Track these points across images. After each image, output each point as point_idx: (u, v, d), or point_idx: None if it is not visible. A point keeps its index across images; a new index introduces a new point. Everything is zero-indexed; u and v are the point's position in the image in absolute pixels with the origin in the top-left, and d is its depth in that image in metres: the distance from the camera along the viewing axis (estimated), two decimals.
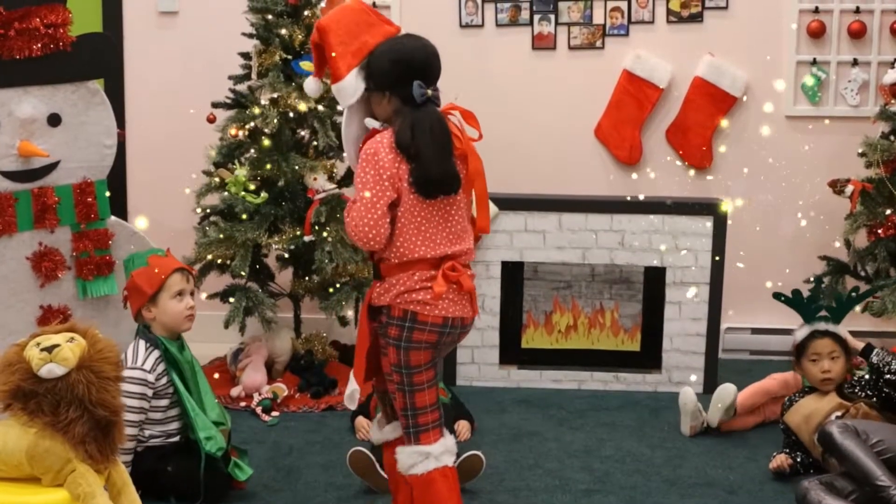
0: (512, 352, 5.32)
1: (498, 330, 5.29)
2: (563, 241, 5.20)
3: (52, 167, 4.19)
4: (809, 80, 5.78)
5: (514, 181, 5.71)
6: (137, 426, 3.76)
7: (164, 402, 3.87)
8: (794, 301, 4.41)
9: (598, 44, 5.87)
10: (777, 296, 4.48)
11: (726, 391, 4.58)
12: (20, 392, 3.01)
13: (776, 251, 5.76)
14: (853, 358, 4.34)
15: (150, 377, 3.80)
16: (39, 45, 4.03)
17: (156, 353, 3.84)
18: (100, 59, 4.34)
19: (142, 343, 3.86)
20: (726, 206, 5.16)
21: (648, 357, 5.29)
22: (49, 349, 3.00)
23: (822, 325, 4.31)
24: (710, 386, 5.14)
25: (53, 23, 4.06)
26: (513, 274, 5.26)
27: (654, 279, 5.22)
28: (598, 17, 5.85)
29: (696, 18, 5.82)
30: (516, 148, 5.92)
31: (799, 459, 4.17)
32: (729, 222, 5.17)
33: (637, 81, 5.83)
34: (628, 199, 5.32)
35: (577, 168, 5.86)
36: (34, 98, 4.10)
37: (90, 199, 4.28)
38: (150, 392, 3.79)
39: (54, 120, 4.16)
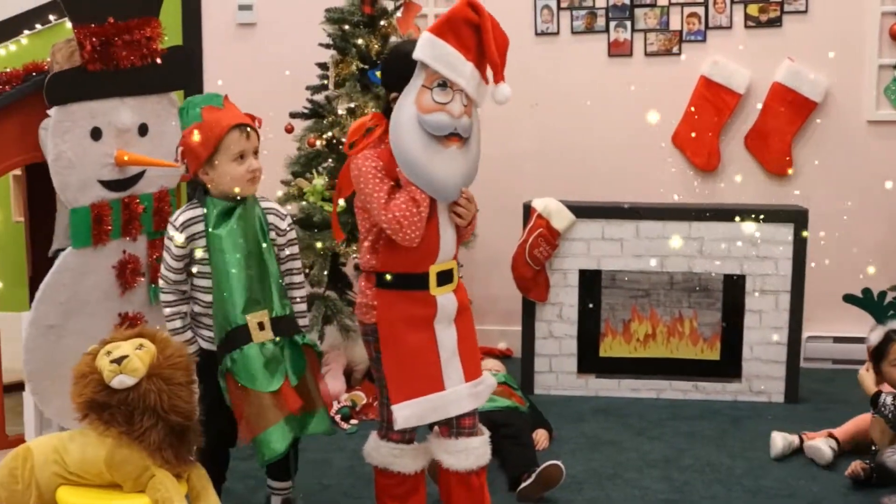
0: (590, 360, 5.27)
1: (576, 338, 5.25)
2: (641, 249, 5.14)
3: (139, 176, 4.19)
4: (892, 85, 5.65)
5: (590, 189, 5.67)
6: (166, 290, 3.41)
7: (206, 283, 3.42)
8: (864, 301, 4.27)
9: (675, 50, 5.80)
10: (847, 298, 4.35)
11: (773, 444, 4.44)
12: (94, 403, 3.02)
13: (858, 258, 5.61)
14: None
15: (178, 235, 3.36)
16: (139, 56, 4.06)
17: (195, 212, 3.39)
18: (182, 71, 4.36)
19: (190, 202, 3.47)
20: (807, 213, 5.04)
21: (728, 366, 5.19)
22: (119, 360, 2.99)
23: None
24: (791, 395, 5.06)
25: (149, 35, 4.10)
26: (590, 282, 5.21)
27: (734, 287, 5.13)
28: (675, 24, 5.78)
29: (775, 23, 5.71)
30: (593, 155, 5.87)
31: (874, 465, 4.05)
32: (810, 229, 5.06)
33: (715, 87, 5.75)
34: (706, 206, 5.24)
35: (655, 175, 5.79)
36: (129, 108, 4.11)
37: (166, 208, 4.28)
38: (177, 252, 3.37)
39: (143, 130, 4.17)
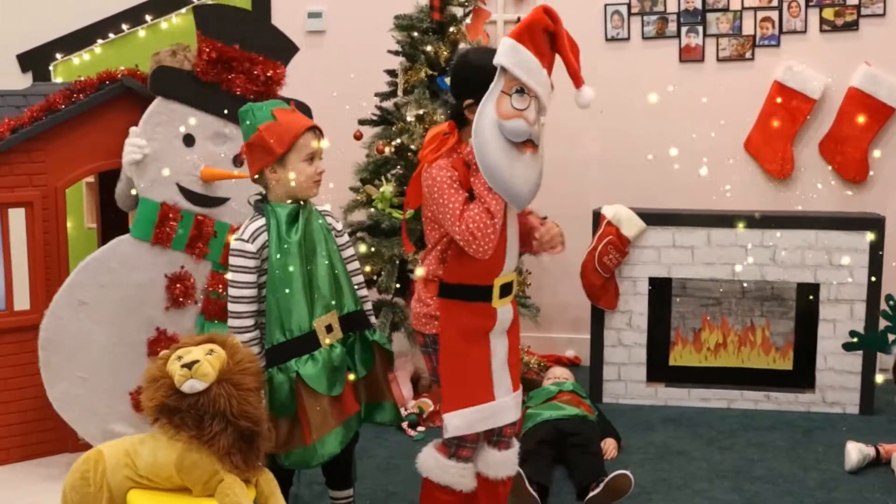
0: (660, 369, 5.25)
1: (645, 347, 5.22)
2: (713, 256, 5.10)
3: (221, 201, 4.25)
4: None
5: (661, 196, 5.64)
6: (244, 302, 3.36)
7: (264, 291, 3.41)
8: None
9: (748, 55, 5.75)
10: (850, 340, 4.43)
11: (847, 456, 4.38)
12: (165, 408, 3.06)
13: None
14: None
15: (251, 246, 3.35)
16: (254, 90, 4.17)
17: (259, 222, 3.40)
18: None
19: (251, 216, 3.46)
20: (884, 221, 4.97)
21: (801, 376, 5.14)
22: (189, 365, 3.04)
23: None
24: (866, 407, 4.99)
25: (272, 76, 4.22)
26: (660, 290, 5.19)
27: (807, 296, 5.08)
28: (748, 28, 5.72)
29: (852, 27, 5.64)
30: (664, 162, 5.81)
31: None
32: (886, 237, 4.98)
33: (789, 93, 5.69)
34: (780, 213, 5.19)
35: (727, 182, 5.74)
36: (230, 134, 4.21)
37: None
38: (252, 263, 3.35)
39: (237, 161, 4.24)
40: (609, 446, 4.46)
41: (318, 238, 3.45)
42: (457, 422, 3.25)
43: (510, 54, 3.01)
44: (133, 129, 4.10)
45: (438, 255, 3.23)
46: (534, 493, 3.85)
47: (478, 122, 3.04)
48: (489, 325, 3.24)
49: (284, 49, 4.28)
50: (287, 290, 3.34)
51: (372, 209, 5.10)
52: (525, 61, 3.01)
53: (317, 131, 3.46)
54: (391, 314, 5.02)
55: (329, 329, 3.42)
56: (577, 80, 3.11)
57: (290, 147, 3.38)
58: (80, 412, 4.13)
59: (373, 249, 5.02)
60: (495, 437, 3.38)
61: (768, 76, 5.74)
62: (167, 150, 4.12)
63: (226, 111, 4.14)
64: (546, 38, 3.06)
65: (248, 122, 3.44)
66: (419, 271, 3.29)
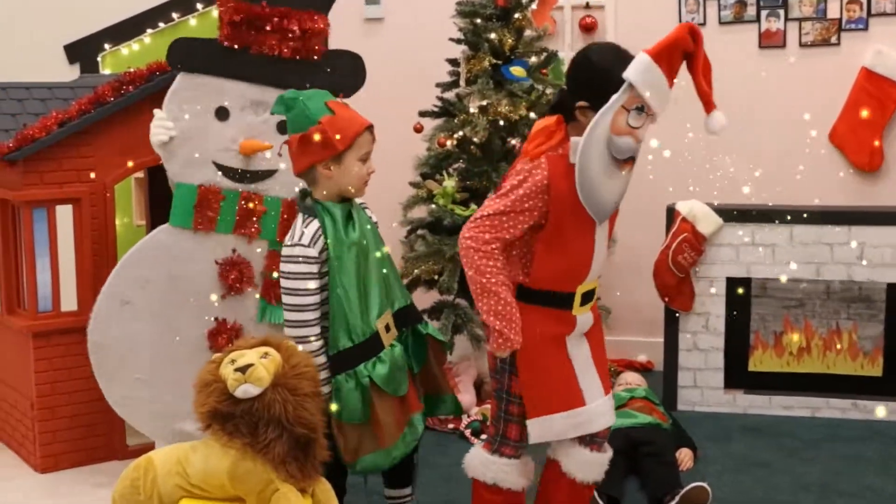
0: (738, 375, 5.22)
1: (723, 351, 5.19)
2: (795, 255, 5.05)
3: (269, 174, 4.15)
4: None
5: (739, 191, 5.56)
6: (310, 310, 3.35)
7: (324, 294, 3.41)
8: None
9: (833, 40, 5.68)
10: None
11: None
12: (218, 413, 3.08)
13: None
14: None
15: (312, 251, 3.34)
16: (290, 48, 4.06)
17: (316, 224, 3.37)
18: (346, 78, 4.21)
19: (300, 216, 3.44)
20: None
21: (892, 383, 5.10)
22: (243, 369, 3.05)
23: None
24: None
25: (309, 29, 4.07)
26: (739, 291, 5.14)
27: None
28: (833, 11, 5.66)
29: None
30: (742, 154, 5.76)
31: None
32: None
33: (878, 80, 5.62)
34: (868, 209, 5.13)
35: (810, 176, 5.67)
36: (270, 99, 3.97)
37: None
38: (315, 268, 3.34)
39: (283, 128, 4.07)
40: (684, 457, 4.43)
41: (368, 234, 3.48)
42: (540, 428, 3.26)
43: (643, 72, 3.01)
44: (157, 112, 4.06)
45: (518, 256, 3.23)
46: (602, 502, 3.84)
47: (591, 131, 3.03)
48: (566, 332, 3.25)
49: None
50: (351, 293, 3.36)
51: (433, 205, 5.11)
52: (656, 82, 3.02)
53: (372, 130, 3.48)
54: (453, 316, 5.02)
55: (387, 329, 3.47)
56: (709, 105, 3.14)
57: (350, 144, 3.38)
58: (145, 415, 4.14)
59: (432, 248, 5.02)
60: (588, 437, 3.37)
61: (855, 62, 5.67)
62: (198, 127, 4.05)
63: (263, 76, 4.07)
64: (681, 57, 3.07)
65: (297, 111, 3.40)
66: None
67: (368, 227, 3.51)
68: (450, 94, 5.31)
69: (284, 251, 3.38)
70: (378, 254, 3.47)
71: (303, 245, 3.34)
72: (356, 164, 3.41)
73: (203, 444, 3.12)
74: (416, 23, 5.97)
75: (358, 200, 3.56)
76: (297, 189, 3.57)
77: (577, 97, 3.14)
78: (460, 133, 5.09)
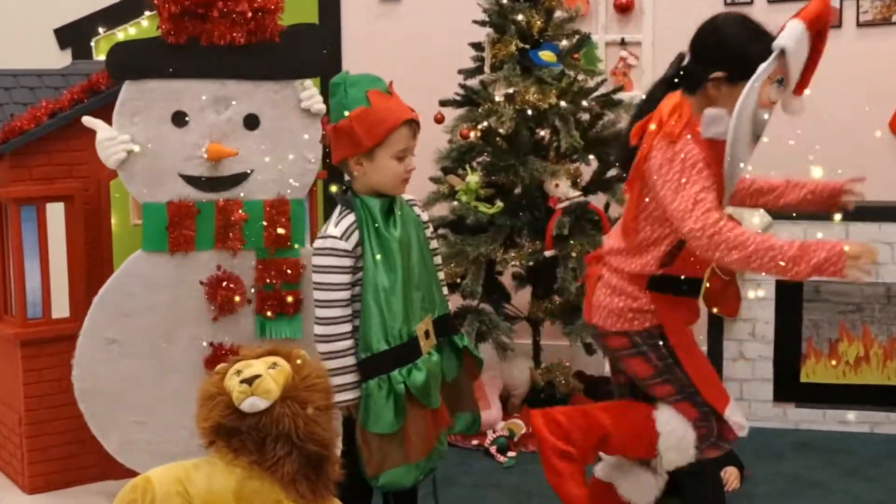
0: (789, 387, 5.24)
1: (772, 361, 5.21)
2: None
3: (242, 177, 4.13)
4: None
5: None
6: (340, 306, 3.37)
7: (356, 291, 3.42)
8: None
9: (895, 18, 5.67)
10: None
11: None
12: (222, 429, 3.07)
13: None
14: None
15: (345, 244, 3.36)
16: (244, 33, 4.00)
17: (351, 217, 3.40)
18: (311, 56, 4.19)
19: (337, 209, 3.46)
20: None
21: None
22: (250, 381, 3.05)
23: None
24: None
25: (262, 7, 4.00)
26: (790, 294, 5.17)
27: None
28: None
29: None
30: (793, 146, 5.76)
31: None
32: None
33: None
34: None
35: (869, 168, 5.58)
36: (231, 94, 4.08)
37: (283, 221, 4.12)
38: (347, 262, 3.36)
39: (251, 122, 4.10)
40: (730, 476, 4.43)
41: (412, 232, 3.50)
42: (738, 417, 3.39)
43: (798, 41, 3.07)
44: (101, 127, 3.99)
45: (662, 254, 3.29)
46: None
47: (744, 102, 3.08)
48: (694, 320, 3.41)
49: None
50: (390, 292, 3.38)
51: (455, 202, 5.12)
52: (801, 53, 3.09)
53: (414, 126, 3.47)
54: (477, 322, 5.03)
55: (427, 335, 3.47)
56: (803, 87, 3.24)
57: (381, 141, 3.39)
58: (149, 458, 3.97)
59: (455, 249, 5.04)
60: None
61: None
62: (155, 138, 4.00)
63: (215, 70, 4.02)
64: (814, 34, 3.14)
65: (336, 100, 3.43)
66: (626, 265, 3.37)
67: (413, 225, 3.53)
68: (473, 82, 5.31)
69: (316, 243, 3.41)
70: (419, 253, 3.49)
71: (334, 237, 3.36)
72: (390, 162, 3.41)
73: (206, 462, 3.12)
74: (437, 3, 5.98)
75: (406, 197, 3.59)
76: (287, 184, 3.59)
77: (710, 68, 3.20)
78: (485, 124, 5.10)
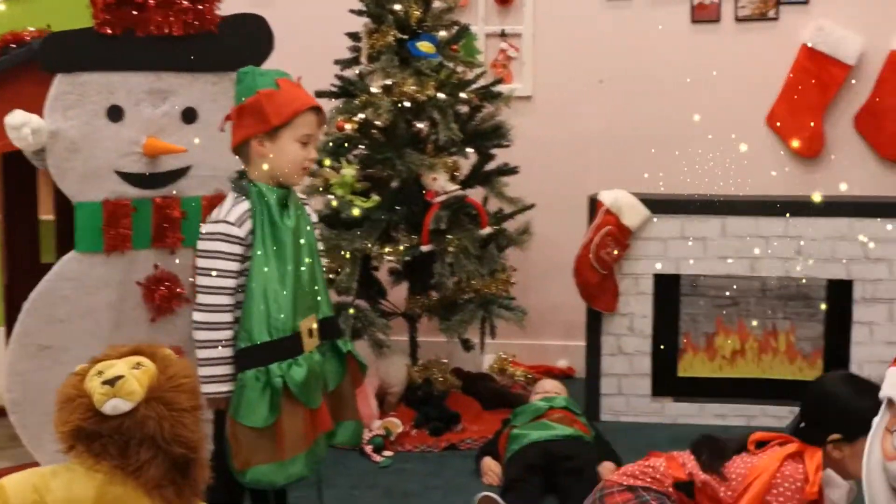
0: (666, 381, 5.29)
1: (650, 355, 5.27)
2: (728, 249, 5.14)
3: (180, 173, 4.04)
4: None
5: (668, 179, 5.65)
6: (226, 293, 3.36)
7: (241, 281, 3.41)
8: None
9: (772, 14, 5.81)
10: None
11: None
12: (82, 433, 3.02)
13: None
14: None
15: (238, 230, 3.37)
16: (181, 23, 3.93)
17: (245, 205, 3.40)
18: (251, 46, 4.11)
19: (230, 195, 3.47)
20: None
21: None
22: (112, 382, 3.01)
23: None
24: None
25: None
26: (667, 289, 5.23)
27: (839, 295, 5.13)
28: None
29: None
30: (672, 139, 5.86)
31: None
32: None
33: (819, 58, 5.76)
34: (807, 199, 5.22)
35: (745, 163, 5.75)
36: (168, 86, 4.00)
37: None
38: (237, 249, 3.36)
39: (189, 116, 4.04)
40: (607, 471, 4.44)
41: (303, 228, 3.52)
42: None
43: None
44: (11, 116, 3.82)
45: None
46: None
47: (868, 463, 3.06)
48: None
49: None
50: (279, 283, 3.38)
51: (330, 196, 5.10)
52: None
53: (320, 114, 3.54)
54: (352, 319, 5.03)
55: (310, 334, 3.48)
56: None
57: (287, 121, 3.43)
58: None
59: (329, 244, 5.02)
60: None
61: (795, 38, 5.81)
62: (90, 134, 3.89)
63: (151, 62, 3.94)
64: None
65: (244, 84, 3.47)
66: None
67: (305, 223, 3.54)
68: (350, 73, 5.30)
69: (206, 228, 3.40)
70: (308, 251, 3.50)
71: (228, 222, 3.36)
72: (293, 145, 3.45)
73: (65, 469, 3.07)
74: None
75: (299, 195, 3.60)
76: (228, 178, 3.56)
77: (826, 432, 3.31)
78: (361, 116, 5.08)
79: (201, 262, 3.37)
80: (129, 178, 3.95)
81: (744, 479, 3.39)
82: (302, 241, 3.49)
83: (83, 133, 3.88)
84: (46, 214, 5.19)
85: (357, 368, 3.71)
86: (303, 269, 3.46)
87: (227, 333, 3.36)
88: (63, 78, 3.88)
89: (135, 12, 3.89)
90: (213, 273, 3.35)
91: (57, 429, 3.07)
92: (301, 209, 3.56)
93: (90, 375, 3.06)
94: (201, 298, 3.36)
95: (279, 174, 3.46)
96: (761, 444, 3.50)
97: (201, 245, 3.38)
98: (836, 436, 3.28)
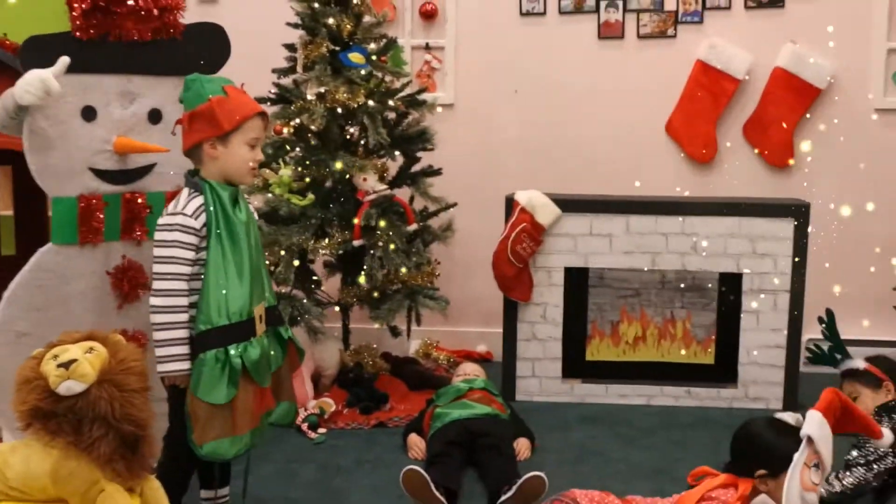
0: (576, 365, 5.30)
1: (560, 341, 5.26)
2: (631, 245, 5.16)
3: (146, 169, 3.99)
4: None
5: (578, 181, 5.69)
6: (182, 279, 3.32)
7: (197, 270, 3.39)
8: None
9: (670, 32, 5.82)
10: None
11: None
12: (39, 412, 2.99)
13: (864, 256, 5.65)
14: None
15: (194, 222, 3.34)
16: (149, 29, 3.89)
17: (200, 199, 3.38)
18: (211, 52, 4.11)
19: (185, 190, 3.43)
20: (809, 208, 5.07)
21: (723, 371, 5.24)
22: (66, 364, 2.97)
23: (844, 366, 4.41)
24: (790, 402, 5.11)
25: (166, 5, 3.91)
26: (577, 281, 5.23)
27: (730, 286, 5.16)
28: (670, 4, 5.80)
29: (777, 3, 5.74)
30: (581, 145, 5.88)
31: None
32: (812, 225, 5.08)
33: (712, 73, 5.78)
34: (701, 199, 5.27)
35: (647, 167, 5.81)
36: (136, 88, 3.94)
37: None
38: (193, 240, 3.34)
39: (155, 116, 3.98)
40: (522, 447, 4.48)
41: (251, 223, 3.51)
42: None
43: (819, 427, 3.23)
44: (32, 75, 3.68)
45: None
46: (441, 499, 3.87)
47: (788, 494, 3.19)
48: None
49: None
50: (236, 271, 3.38)
51: (269, 194, 5.06)
52: (827, 437, 3.25)
53: (266, 118, 3.52)
54: (290, 308, 4.99)
55: (261, 319, 3.48)
56: (876, 433, 3.42)
57: (237, 126, 3.41)
58: None
59: (268, 239, 4.98)
60: None
61: (691, 54, 5.82)
62: (65, 133, 3.81)
63: (122, 65, 3.88)
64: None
65: (193, 91, 3.43)
66: None
67: (251, 219, 3.53)
68: (287, 81, 5.25)
69: (163, 220, 3.35)
70: (255, 244, 3.49)
71: (185, 214, 3.33)
72: (243, 148, 3.43)
73: (23, 445, 3.02)
74: (252, 4, 5.91)
75: (245, 195, 3.59)
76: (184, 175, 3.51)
77: (754, 467, 3.38)
78: (297, 121, 5.05)
79: (158, 251, 3.33)
80: (101, 174, 3.89)
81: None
82: (251, 234, 3.48)
83: (60, 132, 3.79)
84: (5, 210, 5.09)
85: (295, 354, 3.70)
86: (254, 259, 3.46)
87: (183, 316, 3.32)
88: None
89: (108, 18, 3.83)
90: (170, 261, 3.32)
91: (16, 408, 3.04)
92: (248, 206, 3.55)
93: (46, 359, 3.04)
94: (158, 284, 3.33)
95: (230, 174, 3.45)
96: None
97: (159, 235, 3.35)
98: (762, 472, 3.35)
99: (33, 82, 3.61)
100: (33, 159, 3.76)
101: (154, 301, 3.32)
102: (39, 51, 3.78)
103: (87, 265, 3.90)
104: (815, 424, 3.24)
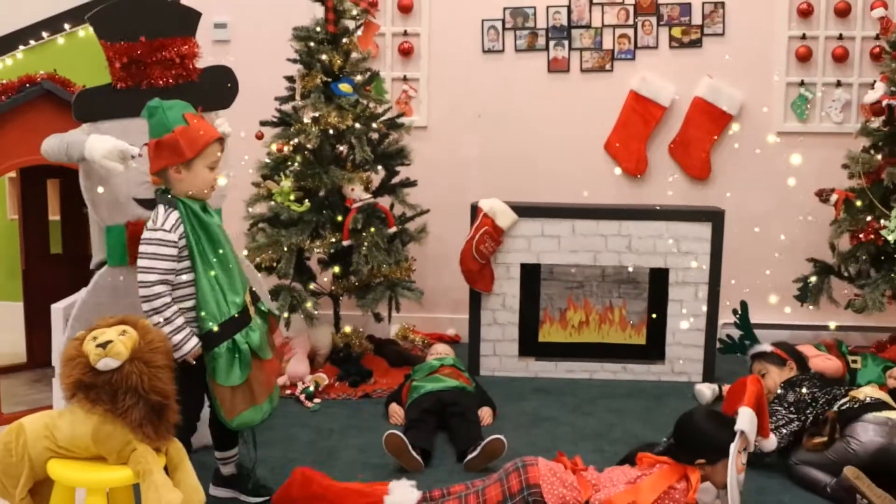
0: (530, 345, 5.28)
1: (517, 325, 5.25)
2: (577, 245, 5.16)
3: None
4: (798, 100, 5.75)
5: (531, 191, 5.71)
6: (158, 284, 3.25)
7: (187, 277, 3.34)
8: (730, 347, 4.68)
9: (608, 67, 5.85)
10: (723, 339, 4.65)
11: (701, 394, 4.83)
12: (81, 384, 3.00)
13: (769, 254, 5.72)
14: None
15: (172, 236, 3.28)
16: (174, 76, 3.89)
17: (175, 214, 3.32)
18: (223, 91, 4.12)
19: (160, 207, 3.35)
20: (723, 213, 5.11)
21: (653, 350, 5.23)
22: (104, 345, 2.99)
23: (754, 350, 4.47)
24: (708, 375, 5.14)
25: (185, 54, 3.91)
26: (531, 275, 5.23)
27: (659, 279, 5.17)
28: (608, 43, 5.83)
29: (696, 44, 5.79)
30: (534, 161, 5.91)
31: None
32: (726, 227, 5.12)
33: (643, 101, 5.81)
34: (635, 207, 5.30)
35: (589, 179, 5.83)
36: None
37: None
38: (172, 251, 3.28)
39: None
40: (485, 414, 4.50)
41: (220, 223, 3.48)
42: None
43: (750, 421, 3.32)
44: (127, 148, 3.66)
45: None
46: (417, 458, 3.89)
47: (731, 479, 3.24)
48: None
49: (187, 20, 3.98)
50: (223, 268, 3.36)
51: (272, 202, 5.06)
52: (753, 425, 3.34)
53: (222, 143, 3.44)
54: (289, 297, 4.99)
55: (252, 303, 3.49)
56: (765, 432, 3.54)
57: (199, 153, 3.33)
58: None
59: (272, 239, 4.99)
60: None
61: (625, 86, 5.85)
62: (114, 171, 3.77)
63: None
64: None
65: (157, 119, 3.33)
66: None
67: (220, 219, 3.51)
68: (287, 107, 5.25)
69: (146, 234, 3.29)
70: (228, 242, 3.45)
71: (164, 230, 3.27)
72: (204, 171, 3.35)
73: (69, 412, 3.04)
74: (258, 45, 5.89)
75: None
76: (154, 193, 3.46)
77: (694, 455, 3.36)
78: (296, 140, 5.04)
79: (142, 262, 3.28)
80: (144, 203, 3.86)
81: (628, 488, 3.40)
82: (223, 232, 3.44)
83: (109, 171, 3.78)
84: (54, 216, 5.09)
85: (273, 319, 3.65)
86: (230, 253, 3.42)
87: (173, 309, 3.27)
88: (90, 127, 3.80)
89: (140, 70, 3.84)
90: (152, 270, 3.26)
91: (62, 381, 3.05)
92: (212, 211, 3.48)
93: (87, 340, 3.05)
94: (143, 291, 3.27)
95: (193, 193, 3.37)
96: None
97: (142, 248, 3.29)
98: (701, 460, 3.34)
99: (114, 152, 3.60)
100: (89, 196, 3.78)
101: (144, 307, 3.28)
102: (89, 105, 3.79)
103: (133, 282, 3.84)
104: (746, 420, 3.30)
